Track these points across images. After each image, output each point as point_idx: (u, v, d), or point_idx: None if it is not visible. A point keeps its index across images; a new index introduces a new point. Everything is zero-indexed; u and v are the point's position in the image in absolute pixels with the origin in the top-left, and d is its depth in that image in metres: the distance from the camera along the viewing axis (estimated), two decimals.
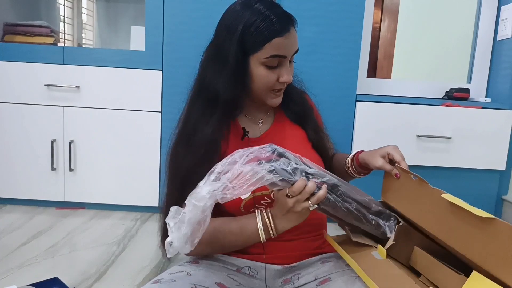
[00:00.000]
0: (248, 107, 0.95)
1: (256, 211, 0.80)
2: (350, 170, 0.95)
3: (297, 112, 0.99)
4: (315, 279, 0.83)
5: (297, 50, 0.88)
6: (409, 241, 0.78)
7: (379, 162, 0.83)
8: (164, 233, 0.94)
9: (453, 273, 0.66)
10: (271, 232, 0.77)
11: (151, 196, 1.87)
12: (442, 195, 0.69)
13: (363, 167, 0.92)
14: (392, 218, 0.80)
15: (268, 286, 0.87)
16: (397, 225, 0.78)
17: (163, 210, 0.93)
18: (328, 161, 1.00)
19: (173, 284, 0.72)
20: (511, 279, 0.57)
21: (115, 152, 1.84)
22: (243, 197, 0.83)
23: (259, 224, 0.78)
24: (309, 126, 0.98)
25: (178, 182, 0.88)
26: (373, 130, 1.81)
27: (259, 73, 0.85)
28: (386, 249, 0.76)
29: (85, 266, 1.31)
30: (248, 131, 0.91)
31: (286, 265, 0.87)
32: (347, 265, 0.83)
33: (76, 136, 1.83)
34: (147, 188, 1.87)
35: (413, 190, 0.77)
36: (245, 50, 0.84)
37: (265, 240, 0.78)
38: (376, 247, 0.80)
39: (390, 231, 0.79)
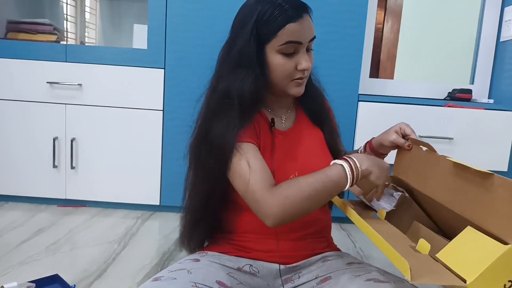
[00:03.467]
0: (271, 103, 0.94)
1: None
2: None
3: (316, 112, 0.98)
4: (316, 278, 0.83)
5: (314, 37, 0.86)
6: (409, 212, 0.84)
7: (393, 136, 0.90)
8: (184, 229, 0.95)
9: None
10: (355, 171, 0.77)
11: (153, 195, 1.88)
12: (447, 158, 0.75)
13: (376, 153, 0.96)
14: (400, 192, 0.86)
15: (269, 284, 0.87)
16: (400, 194, 0.84)
17: (186, 207, 0.94)
18: None
19: (173, 282, 0.71)
20: (505, 233, 0.58)
21: (116, 150, 1.84)
22: None
23: (345, 164, 0.77)
24: (326, 127, 0.99)
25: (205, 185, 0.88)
26: (375, 130, 1.78)
27: (276, 61, 0.84)
28: (386, 217, 0.82)
29: (86, 264, 1.32)
30: (274, 122, 0.90)
31: (288, 265, 0.87)
32: (348, 263, 0.83)
33: (78, 134, 1.83)
34: (149, 187, 1.87)
35: (420, 160, 0.84)
36: (260, 40, 0.83)
37: (351, 180, 0.77)
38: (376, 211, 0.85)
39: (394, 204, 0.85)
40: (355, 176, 0.77)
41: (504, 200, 0.60)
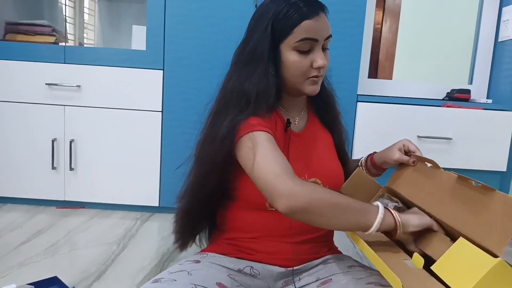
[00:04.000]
0: (285, 103, 0.93)
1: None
2: (364, 169, 0.96)
3: (328, 116, 0.98)
4: (316, 280, 0.83)
5: (330, 35, 0.86)
6: None
7: (397, 154, 0.89)
8: (177, 224, 0.95)
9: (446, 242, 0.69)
10: (397, 219, 0.71)
11: (152, 196, 1.87)
12: (452, 173, 0.76)
13: (377, 168, 0.95)
14: (395, 202, 0.85)
15: (269, 286, 0.87)
16: (395, 204, 0.83)
17: (181, 198, 0.93)
18: (346, 168, 1.00)
19: (173, 283, 0.71)
20: (496, 247, 0.59)
21: (115, 152, 1.84)
22: None
23: (381, 208, 0.72)
24: (336, 131, 0.98)
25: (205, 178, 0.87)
26: (374, 131, 1.81)
27: (292, 58, 0.83)
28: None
29: (85, 265, 1.31)
30: (290, 123, 0.89)
31: (289, 268, 0.87)
32: (349, 266, 0.83)
33: (76, 135, 1.83)
34: (148, 188, 1.87)
35: (421, 174, 0.84)
36: (276, 38, 0.83)
37: (376, 229, 0.70)
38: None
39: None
40: (384, 228, 0.72)
41: (497, 214, 0.61)
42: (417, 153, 0.87)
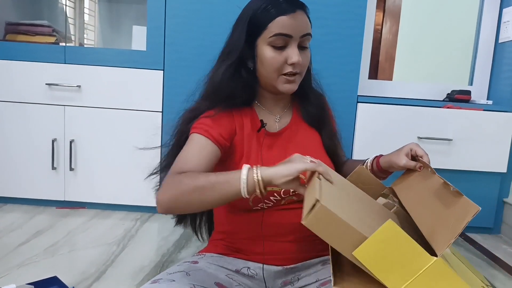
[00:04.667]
0: (265, 100, 0.94)
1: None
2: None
3: (314, 115, 0.97)
4: (316, 281, 0.83)
5: (309, 34, 0.86)
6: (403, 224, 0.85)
7: (403, 161, 0.87)
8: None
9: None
10: (255, 175, 0.67)
11: (151, 197, 1.86)
12: (439, 177, 0.76)
13: (383, 171, 0.93)
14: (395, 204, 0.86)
15: (268, 286, 0.87)
16: (395, 205, 0.84)
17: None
18: (340, 169, 0.99)
19: (172, 284, 0.71)
20: (439, 246, 0.58)
21: (115, 152, 1.84)
22: None
23: (244, 170, 0.69)
24: (324, 131, 0.98)
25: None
26: (374, 132, 1.81)
27: (266, 54, 0.85)
28: None
29: (84, 266, 1.31)
30: (265, 123, 0.89)
31: (286, 266, 0.87)
32: None
33: (76, 136, 1.83)
34: (148, 189, 1.86)
35: (420, 180, 0.84)
36: (253, 34, 0.85)
37: (246, 186, 0.68)
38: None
39: None
40: (253, 183, 0.68)
41: (454, 218, 0.61)
42: (425, 158, 0.86)
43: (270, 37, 0.83)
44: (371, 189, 0.89)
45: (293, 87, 0.88)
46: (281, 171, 0.67)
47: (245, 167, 0.69)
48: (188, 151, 0.81)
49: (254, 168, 0.69)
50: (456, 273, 0.54)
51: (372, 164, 0.95)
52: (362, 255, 0.56)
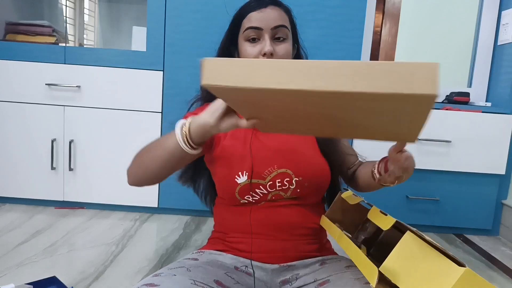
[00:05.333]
0: None
1: None
2: (377, 175, 0.84)
3: None
4: (314, 281, 0.83)
5: (282, 26, 0.90)
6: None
7: (391, 167, 0.77)
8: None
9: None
10: (184, 129, 0.74)
11: (150, 197, 1.87)
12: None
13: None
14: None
15: (267, 285, 0.87)
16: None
17: None
18: (338, 168, 0.98)
19: (173, 278, 0.72)
20: (411, 137, 0.60)
21: (115, 152, 1.84)
22: (238, 180, 0.85)
23: (178, 123, 0.77)
24: None
25: None
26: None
27: (243, 48, 0.92)
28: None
29: (83, 266, 1.31)
30: None
31: (282, 264, 0.87)
32: (346, 267, 0.83)
33: (76, 136, 1.83)
34: (146, 189, 1.87)
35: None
36: (234, 34, 0.95)
37: (182, 138, 0.75)
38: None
39: None
40: (184, 133, 0.74)
41: (408, 115, 0.53)
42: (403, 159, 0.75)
43: (244, 32, 0.91)
44: (356, 213, 0.87)
45: None
46: (202, 115, 0.72)
47: (178, 122, 0.77)
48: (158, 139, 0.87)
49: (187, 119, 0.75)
50: (486, 281, 0.50)
51: (379, 166, 0.85)
52: (389, 272, 0.55)
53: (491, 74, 2.07)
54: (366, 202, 0.78)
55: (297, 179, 0.87)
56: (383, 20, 2.20)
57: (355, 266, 0.84)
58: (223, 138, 0.92)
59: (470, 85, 2.11)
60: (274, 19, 0.90)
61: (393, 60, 2.22)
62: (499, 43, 2.02)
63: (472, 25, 2.13)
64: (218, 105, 0.70)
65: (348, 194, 0.86)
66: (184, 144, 0.74)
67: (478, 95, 2.08)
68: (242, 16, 0.92)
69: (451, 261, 0.51)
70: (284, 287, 0.87)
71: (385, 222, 0.62)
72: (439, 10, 2.22)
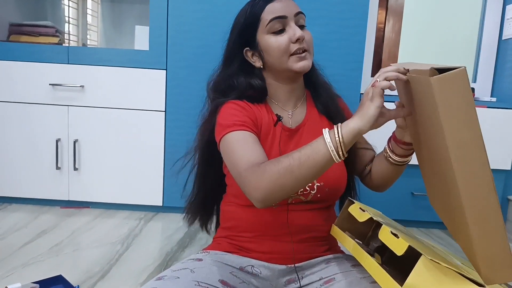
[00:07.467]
0: (277, 94, 0.93)
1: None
2: (390, 155, 0.85)
3: (328, 107, 0.96)
4: (320, 279, 0.83)
5: (301, 13, 0.88)
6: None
7: (392, 113, 0.78)
8: (188, 203, 1.07)
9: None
10: (337, 135, 0.67)
11: (155, 196, 1.88)
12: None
13: (403, 143, 0.83)
14: None
15: (272, 285, 0.87)
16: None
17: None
18: (355, 163, 0.97)
19: (176, 281, 0.71)
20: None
21: (119, 152, 1.85)
22: None
23: (325, 134, 0.69)
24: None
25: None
26: (377, 130, 1.80)
27: (269, 41, 0.87)
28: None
29: (89, 265, 1.32)
30: (282, 117, 0.90)
31: (290, 265, 0.87)
32: (352, 265, 0.83)
33: (80, 135, 1.84)
34: (151, 188, 1.87)
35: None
36: (250, 32, 0.89)
37: (333, 148, 0.68)
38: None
39: None
40: (338, 142, 0.68)
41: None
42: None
43: (267, 24, 0.86)
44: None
45: (307, 63, 0.87)
46: (363, 117, 0.68)
47: (325, 131, 0.70)
48: (239, 150, 0.79)
49: (335, 127, 0.69)
50: None
51: (389, 142, 0.87)
52: None
53: (496, 69, 2.05)
54: (372, 214, 0.75)
55: (319, 184, 0.86)
56: (387, 17, 2.19)
57: (361, 265, 0.83)
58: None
59: (475, 80, 2.10)
60: (294, 5, 0.88)
61: (396, 57, 2.21)
62: (503, 37, 2.01)
63: (476, 20, 2.11)
64: (373, 111, 0.68)
65: (355, 208, 0.82)
66: (336, 155, 0.68)
67: (483, 90, 2.07)
68: (260, 10, 0.87)
69: (471, 282, 0.52)
70: (289, 286, 0.87)
71: (398, 247, 0.62)
72: (442, 6, 2.21)
